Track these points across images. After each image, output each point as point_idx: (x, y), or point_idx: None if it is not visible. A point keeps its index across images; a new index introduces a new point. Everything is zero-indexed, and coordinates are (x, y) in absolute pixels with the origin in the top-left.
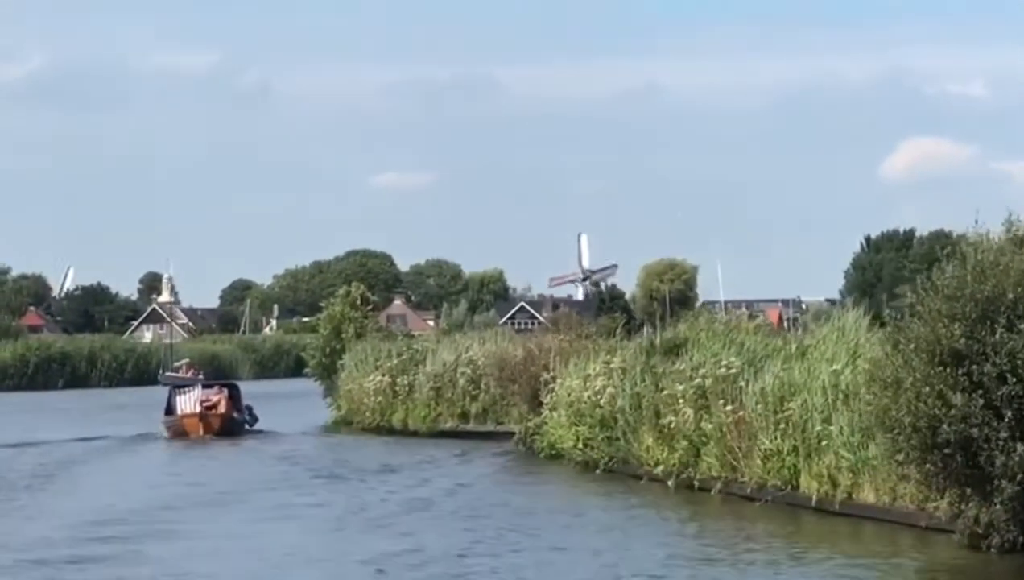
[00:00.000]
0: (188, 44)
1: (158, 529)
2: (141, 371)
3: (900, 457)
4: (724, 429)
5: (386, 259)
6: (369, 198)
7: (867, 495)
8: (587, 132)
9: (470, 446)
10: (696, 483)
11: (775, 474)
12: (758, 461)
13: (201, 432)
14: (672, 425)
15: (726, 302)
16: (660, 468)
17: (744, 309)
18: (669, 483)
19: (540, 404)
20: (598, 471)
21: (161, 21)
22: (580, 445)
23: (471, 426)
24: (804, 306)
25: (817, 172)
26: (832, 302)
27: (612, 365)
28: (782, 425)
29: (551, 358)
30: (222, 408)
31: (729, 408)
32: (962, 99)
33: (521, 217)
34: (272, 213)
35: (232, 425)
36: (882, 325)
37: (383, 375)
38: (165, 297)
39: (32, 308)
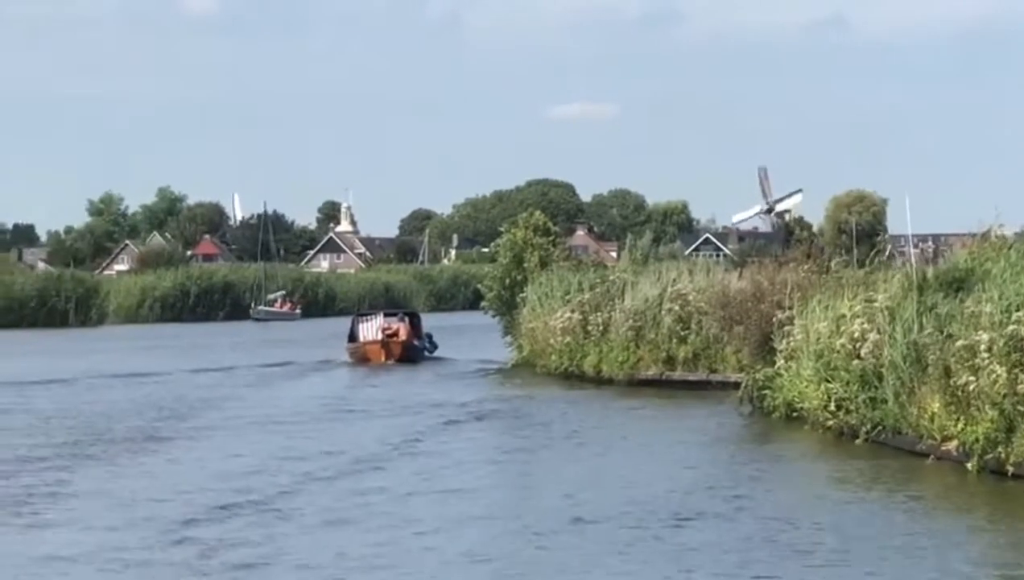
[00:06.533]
0: None
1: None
2: (309, 302)
3: None
4: None
5: (568, 189)
6: (552, 129)
7: None
8: (772, 63)
9: (681, 399)
10: (1010, 468)
11: None
12: None
13: (383, 358)
14: (972, 387)
15: (914, 235)
16: (953, 444)
17: (930, 242)
18: (969, 466)
19: (771, 351)
20: (858, 441)
21: None
22: (832, 406)
23: (678, 374)
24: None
25: (1007, 102)
26: None
27: (876, 304)
28: None
29: (787, 294)
30: (402, 335)
31: None
32: None
33: (705, 148)
34: (454, 143)
35: (412, 352)
36: None
37: (573, 311)
38: (344, 226)
39: (207, 236)
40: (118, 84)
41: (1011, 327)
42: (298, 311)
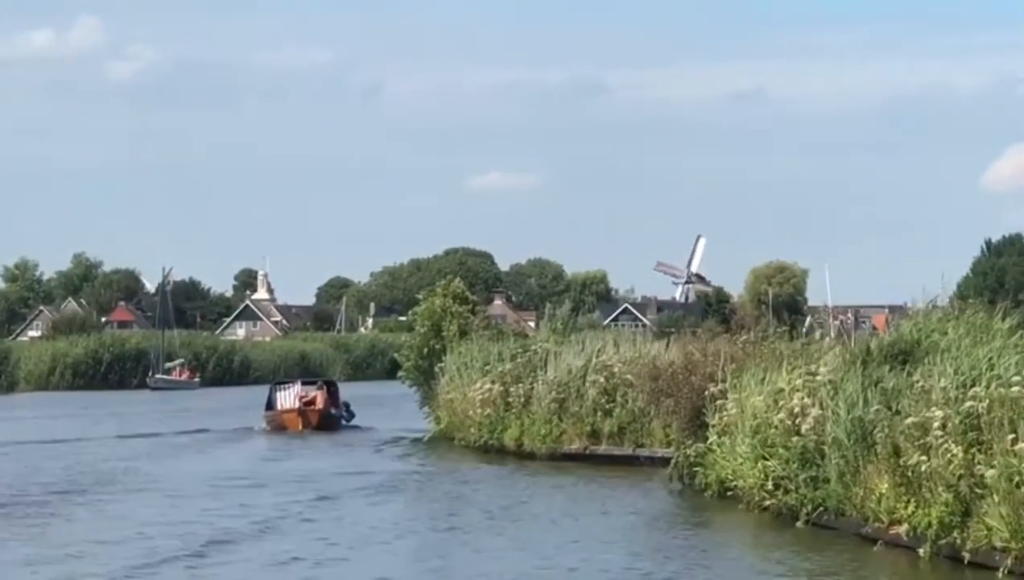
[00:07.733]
0: (299, 43)
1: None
2: (224, 370)
3: None
4: (1019, 478)
5: (486, 258)
6: (471, 198)
7: None
8: (692, 136)
9: (606, 475)
10: (966, 555)
11: None
12: None
13: (300, 427)
14: (924, 468)
15: (833, 307)
16: (903, 528)
17: (850, 314)
18: (921, 551)
19: (703, 425)
20: (798, 523)
21: (272, 19)
22: (769, 485)
23: (603, 448)
24: (910, 313)
25: (922, 176)
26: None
27: (819, 377)
28: None
29: (720, 366)
30: (320, 404)
31: None
32: None
33: (624, 218)
34: (373, 211)
35: (330, 420)
36: None
37: (493, 382)
38: (261, 294)
39: (123, 303)
40: (35, 148)
41: (968, 404)
42: (196, 379)
